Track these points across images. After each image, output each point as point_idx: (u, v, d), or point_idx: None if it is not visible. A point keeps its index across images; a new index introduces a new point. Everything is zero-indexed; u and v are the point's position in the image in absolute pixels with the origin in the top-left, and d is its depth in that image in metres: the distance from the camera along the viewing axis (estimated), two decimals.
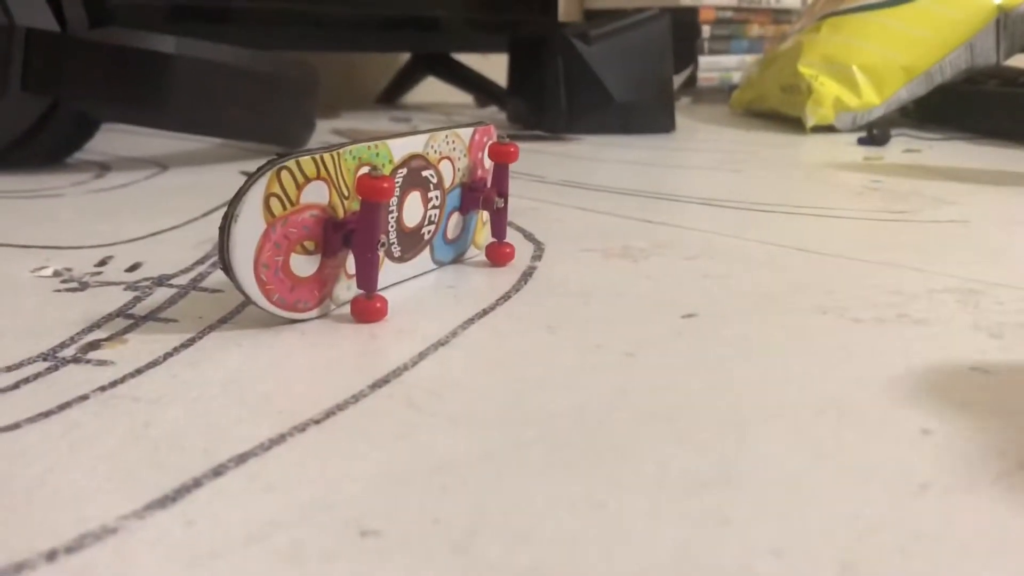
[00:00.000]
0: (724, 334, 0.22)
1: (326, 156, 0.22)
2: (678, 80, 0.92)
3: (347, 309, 0.23)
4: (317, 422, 0.17)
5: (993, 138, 0.69)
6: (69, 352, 0.20)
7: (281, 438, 0.16)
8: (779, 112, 0.81)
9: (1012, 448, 0.16)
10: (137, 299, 0.24)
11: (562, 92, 0.68)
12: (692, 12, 1.03)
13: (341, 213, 0.22)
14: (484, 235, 0.29)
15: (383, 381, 0.19)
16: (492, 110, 0.91)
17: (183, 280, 0.26)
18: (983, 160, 0.57)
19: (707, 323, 0.23)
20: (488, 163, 0.28)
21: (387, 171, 0.24)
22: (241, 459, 0.15)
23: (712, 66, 1.06)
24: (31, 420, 0.17)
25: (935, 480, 0.15)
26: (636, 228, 0.34)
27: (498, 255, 0.29)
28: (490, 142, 0.28)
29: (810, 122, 0.73)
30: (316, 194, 0.22)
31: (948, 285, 0.27)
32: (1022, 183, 0.47)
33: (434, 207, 0.26)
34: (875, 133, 0.66)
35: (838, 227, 0.35)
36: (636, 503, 0.14)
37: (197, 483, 0.14)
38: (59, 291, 0.24)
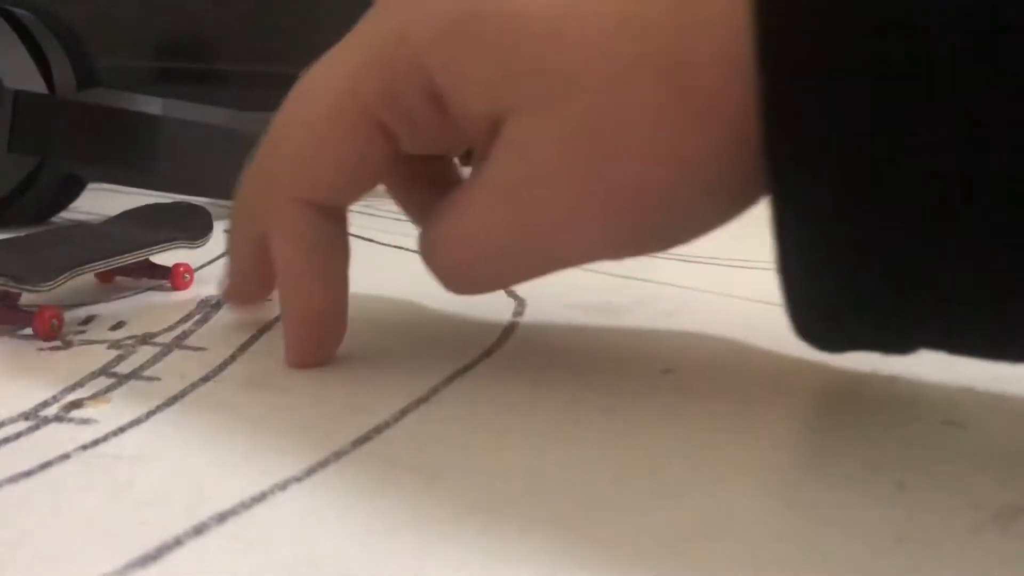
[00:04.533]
0: (701, 389, 0.22)
1: None
2: None
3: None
4: (299, 480, 0.17)
5: None
6: (51, 411, 0.20)
7: (262, 496, 0.16)
8: None
9: (986, 499, 0.16)
10: (120, 357, 0.24)
11: None
12: None
13: None
14: None
15: (365, 438, 0.19)
16: None
17: (167, 338, 0.26)
18: None
19: (685, 378, 0.23)
20: None
21: None
22: (222, 518, 0.15)
23: None
24: (11, 480, 0.16)
25: (911, 533, 0.15)
26: (616, 284, 0.35)
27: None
28: None
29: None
30: None
31: None
32: None
33: None
34: None
35: None
36: (616, 558, 0.14)
37: (178, 542, 0.14)
38: (42, 350, 0.25)
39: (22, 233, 0.30)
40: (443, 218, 0.21)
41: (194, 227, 0.32)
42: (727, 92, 0.16)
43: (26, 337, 0.25)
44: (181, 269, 0.32)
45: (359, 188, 0.21)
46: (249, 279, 0.25)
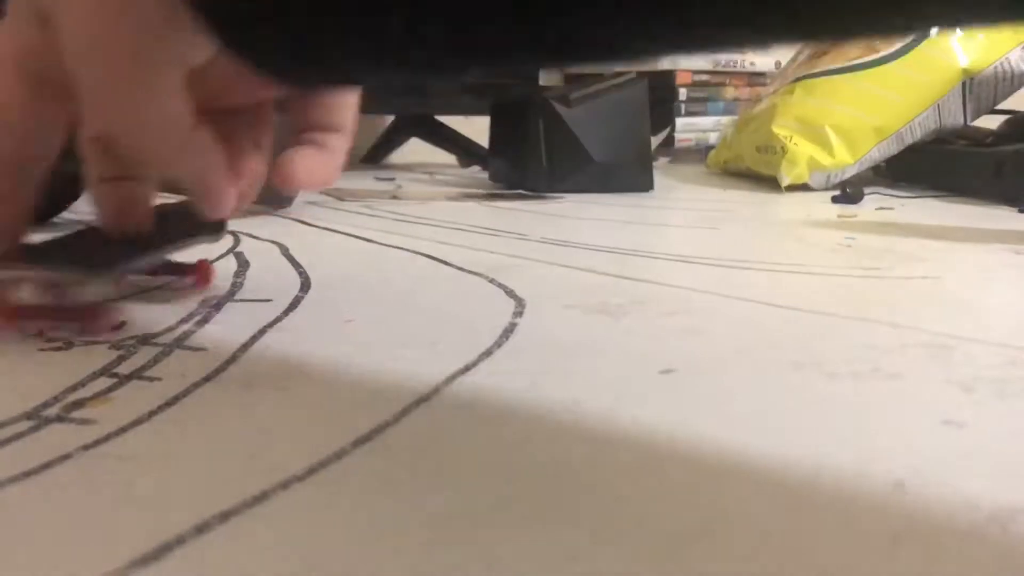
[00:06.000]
0: (702, 389, 0.23)
1: None
2: (656, 141, 0.94)
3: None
4: (300, 479, 0.17)
5: (963, 196, 0.70)
6: (53, 411, 0.20)
7: (264, 495, 0.16)
8: (754, 172, 0.83)
9: (984, 500, 0.16)
10: (121, 358, 0.24)
11: (543, 152, 0.69)
12: (669, 75, 1.06)
13: None
14: None
15: (366, 438, 0.19)
16: (475, 169, 0.93)
17: (168, 339, 0.26)
18: (953, 218, 0.59)
19: (685, 378, 0.23)
20: None
21: None
22: (224, 517, 0.15)
23: (689, 127, 1.09)
24: (13, 480, 0.17)
25: (909, 533, 0.15)
26: (615, 285, 0.35)
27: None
28: None
29: (785, 181, 0.75)
30: None
31: (920, 340, 0.27)
32: (991, 240, 0.48)
33: None
34: (849, 191, 0.68)
35: (813, 284, 0.36)
36: (617, 558, 0.14)
37: (180, 541, 0.14)
38: (44, 350, 0.25)
39: (56, 234, 0.30)
40: None
41: (208, 223, 0.31)
42: None
43: (27, 337, 0.26)
44: (205, 266, 0.32)
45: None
46: None
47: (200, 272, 0.32)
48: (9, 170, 0.26)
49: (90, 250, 0.28)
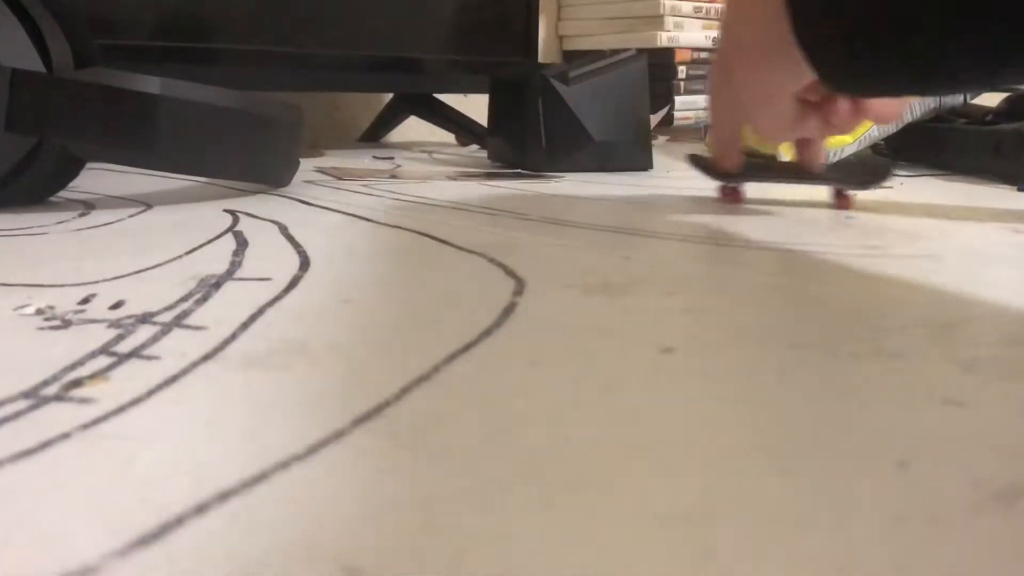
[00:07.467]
0: (701, 368, 0.22)
1: None
2: (655, 119, 0.93)
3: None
4: (300, 458, 0.17)
5: (962, 174, 0.70)
6: (51, 390, 0.20)
7: (264, 474, 0.16)
8: (753, 150, 0.83)
9: (986, 479, 0.16)
10: (120, 336, 0.24)
11: (542, 131, 0.69)
12: (669, 53, 1.05)
13: None
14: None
15: (365, 417, 0.19)
16: (473, 148, 0.92)
17: (167, 317, 0.26)
18: (953, 196, 0.58)
19: (685, 357, 0.23)
20: None
21: None
22: (224, 497, 0.15)
23: (688, 105, 1.08)
24: (12, 459, 0.16)
25: (912, 512, 0.15)
26: (615, 264, 0.35)
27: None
28: None
29: (784, 159, 0.74)
30: None
31: (920, 319, 0.27)
32: (991, 219, 0.48)
33: None
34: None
35: (813, 262, 0.36)
36: (617, 536, 0.14)
37: (180, 521, 0.14)
38: (42, 329, 0.24)
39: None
40: None
41: (866, 176, 0.54)
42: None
43: (26, 316, 0.25)
44: (847, 196, 0.52)
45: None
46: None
47: (843, 198, 0.53)
48: (737, 124, 0.48)
49: (789, 171, 0.52)
